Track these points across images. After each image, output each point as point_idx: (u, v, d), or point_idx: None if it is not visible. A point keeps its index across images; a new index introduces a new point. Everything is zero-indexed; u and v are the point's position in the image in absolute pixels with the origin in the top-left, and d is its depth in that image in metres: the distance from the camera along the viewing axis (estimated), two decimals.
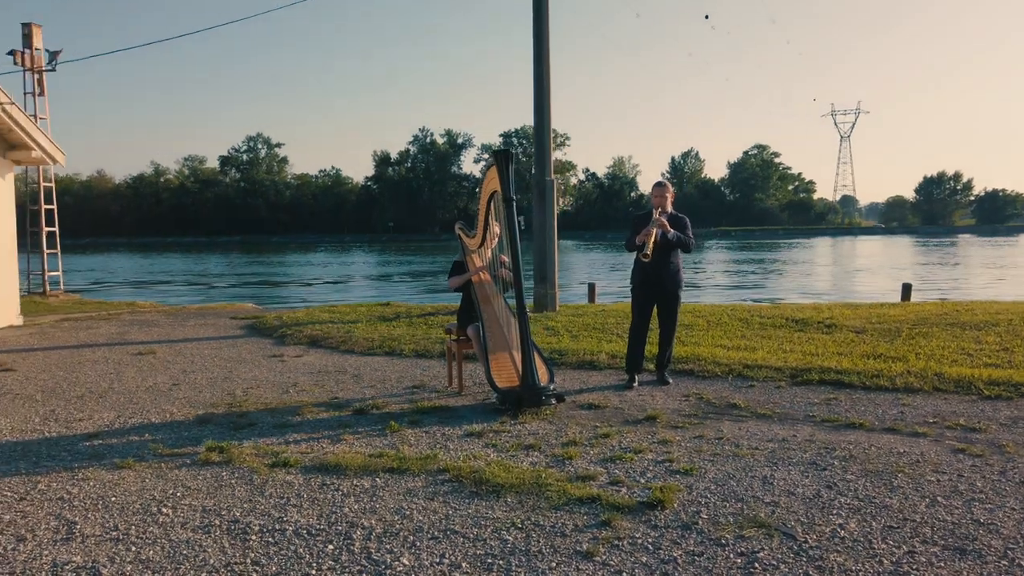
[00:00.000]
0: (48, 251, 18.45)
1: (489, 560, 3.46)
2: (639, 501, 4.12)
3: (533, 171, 13.23)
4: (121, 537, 3.76)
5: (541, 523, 3.86)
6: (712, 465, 4.79)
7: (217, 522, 3.93)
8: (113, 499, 4.30)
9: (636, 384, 7.17)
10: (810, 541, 3.62)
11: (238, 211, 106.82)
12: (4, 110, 11.22)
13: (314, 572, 3.37)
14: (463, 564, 3.42)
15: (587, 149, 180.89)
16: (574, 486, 4.34)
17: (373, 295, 27.64)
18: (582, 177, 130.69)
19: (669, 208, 7.24)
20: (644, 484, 4.41)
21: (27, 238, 18.60)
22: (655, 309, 7.27)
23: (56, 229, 18.68)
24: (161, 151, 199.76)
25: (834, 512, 3.99)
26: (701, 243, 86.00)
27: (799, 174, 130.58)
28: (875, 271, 40.02)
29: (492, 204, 6.65)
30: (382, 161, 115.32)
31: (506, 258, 7.16)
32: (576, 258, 59.67)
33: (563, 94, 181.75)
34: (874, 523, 3.84)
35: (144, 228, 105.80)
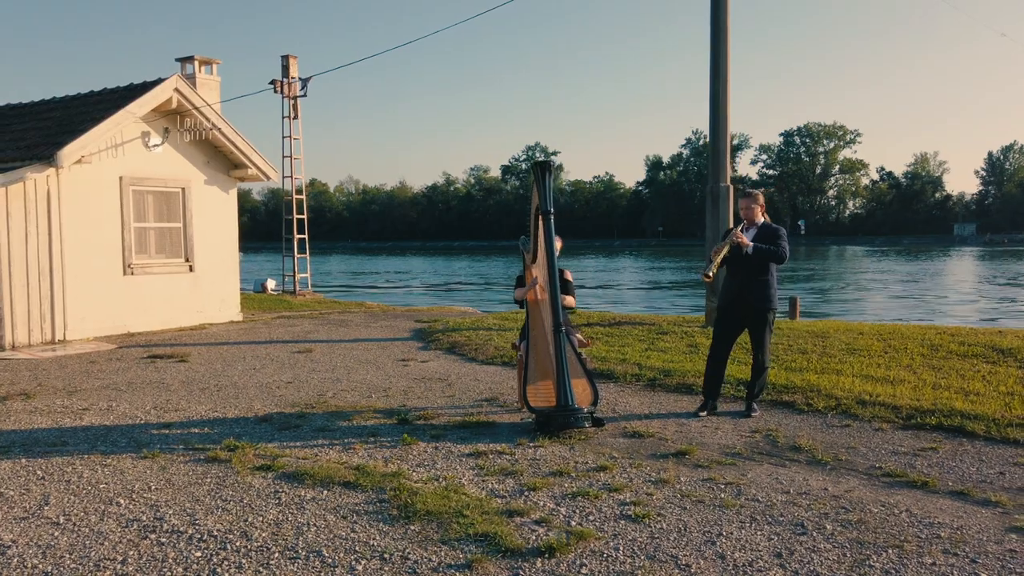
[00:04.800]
0: (299, 255, 20.86)
1: None
2: (533, 546, 3.78)
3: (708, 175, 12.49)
4: (62, 522, 4.22)
5: (410, 556, 3.70)
6: (676, 515, 4.24)
7: (144, 518, 4.26)
8: (103, 486, 4.82)
9: (705, 413, 6.54)
10: None
11: (517, 217, 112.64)
12: (224, 134, 12.93)
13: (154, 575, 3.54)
14: None
15: (883, 146, 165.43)
16: (489, 520, 4.09)
17: (642, 306, 26.27)
18: (875, 177, 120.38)
19: (759, 220, 6.58)
20: (568, 528, 4.02)
21: (282, 243, 21.27)
22: (744, 332, 6.64)
23: (306, 236, 21.08)
24: (452, 161, 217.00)
25: None
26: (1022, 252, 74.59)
27: None
28: None
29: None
30: (654, 165, 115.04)
31: (569, 274, 6.89)
32: (852, 265, 55.07)
33: (856, 92, 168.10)
34: None
35: (436, 233, 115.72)
